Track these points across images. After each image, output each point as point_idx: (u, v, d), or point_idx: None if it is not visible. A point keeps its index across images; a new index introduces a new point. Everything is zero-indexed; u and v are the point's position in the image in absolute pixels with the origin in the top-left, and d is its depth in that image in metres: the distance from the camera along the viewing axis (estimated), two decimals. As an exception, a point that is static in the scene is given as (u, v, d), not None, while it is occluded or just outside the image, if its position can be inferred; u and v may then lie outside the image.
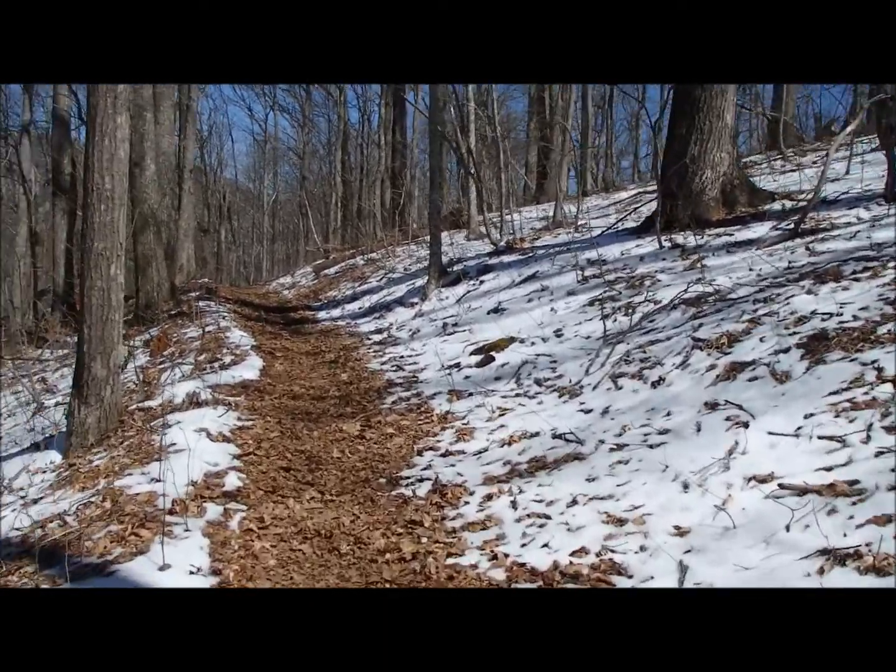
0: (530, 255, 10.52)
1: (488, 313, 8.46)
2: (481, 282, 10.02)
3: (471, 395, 6.06)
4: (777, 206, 9.09)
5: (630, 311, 6.68)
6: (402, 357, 7.90)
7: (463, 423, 5.48)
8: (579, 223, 12.52)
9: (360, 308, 12.35)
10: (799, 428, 3.87)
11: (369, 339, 9.31)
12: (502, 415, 5.48)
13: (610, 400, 5.15)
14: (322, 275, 18.84)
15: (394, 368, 7.47)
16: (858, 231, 6.81)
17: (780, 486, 3.45)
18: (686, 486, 3.77)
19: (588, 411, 5.11)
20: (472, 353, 7.09)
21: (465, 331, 8.13)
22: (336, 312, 12.89)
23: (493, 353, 6.80)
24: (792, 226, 7.69)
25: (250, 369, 7.44)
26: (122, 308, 5.74)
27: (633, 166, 29.99)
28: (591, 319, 6.90)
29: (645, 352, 5.60)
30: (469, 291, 9.76)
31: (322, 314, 13.23)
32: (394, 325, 9.89)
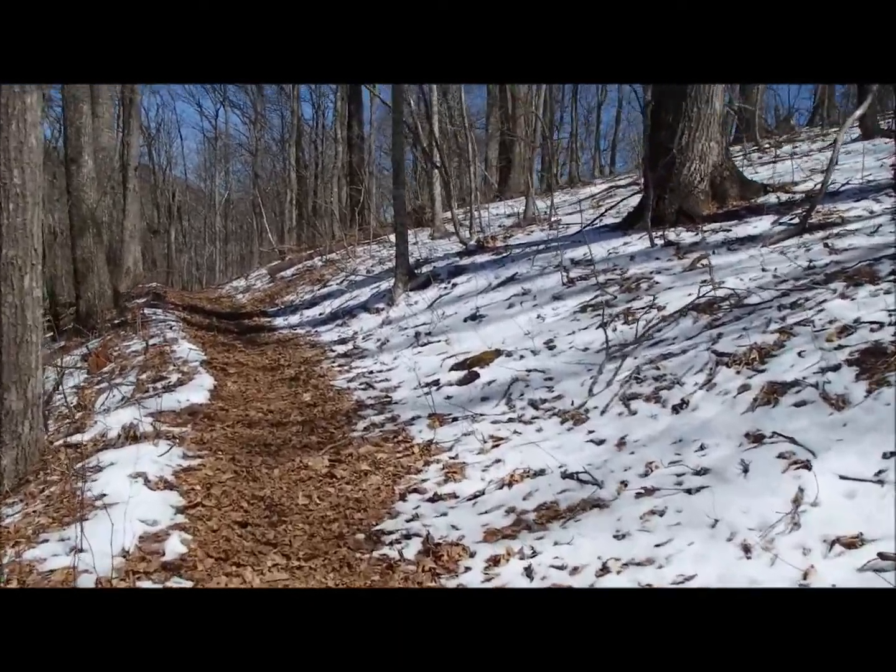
0: (505, 254, 9.74)
1: (465, 321, 7.65)
2: (454, 284, 9.21)
3: (455, 419, 5.26)
4: (772, 198, 8.41)
5: (631, 318, 5.93)
6: (371, 373, 7.06)
7: (451, 457, 4.66)
8: (552, 219, 11.77)
9: (320, 314, 11.47)
10: (880, 472, 3.12)
11: (333, 351, 8.46)
12: (496, 445, 4.67)
13: (624, 428, 4.37)
14: (278, 277, 17.88)
15: (363, 386, 6.63)
16: (880, 225, 6.12)
17: (880, 555, 2.69)
18: (747, 550, 3.00)
19: (600, 442, 4.33)
20: (452, 369, 6.28)
21: (440, 341, 7.32)
22: (294, 319, 11.99)
23: (476, 369, 6.00)
24: (797, 220, 7.01)
25: (199, 391, 6.55)
26: (41, 327, 4.85)
27: (593, 160, 29.39)
28: (586, 328, 6.13)
29: (658, 368, 4.84)
30: (441, 295, 8.94)
31: (279, 321, 12.32)
32: (359, 334, 9.04)
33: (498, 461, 4.43)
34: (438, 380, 6.15)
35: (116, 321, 12.87)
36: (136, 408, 5.76)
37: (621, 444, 4.20)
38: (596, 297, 6.76)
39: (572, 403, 4.93)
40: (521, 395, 5.36)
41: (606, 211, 10.35)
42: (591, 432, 4.46)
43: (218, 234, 42.23)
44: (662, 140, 8.77)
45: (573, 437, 4.50)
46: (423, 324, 8.12)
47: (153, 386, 7.07)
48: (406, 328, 8.30)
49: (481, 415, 5.21)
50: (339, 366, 7.65)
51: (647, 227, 7.91)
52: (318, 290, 13.59)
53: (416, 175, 26.86)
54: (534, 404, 5.15)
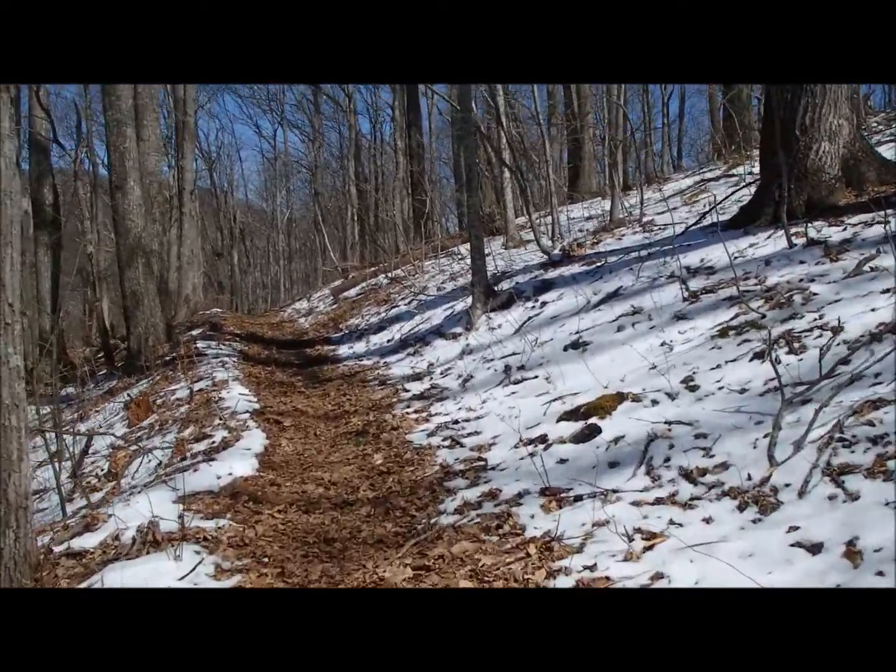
0: (599, 264, 8.32)
1: (566, 349, 6.26)
2: (542, 303, 7.82)
3: (580, 498, 3.87)
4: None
5: (797, 345, 4.49)
6: (456, 422, 5.69)
7: (585, 566, 3.25)
8: (644, 220, 10.31)
9: (388, 341, 10.19)
10: None
11: (406, 391, 7.13)
12: (649, 547, 3.26)
13: (848, 523, 2.93)
14: (341, 298, 16.71)
15: (447, 443, 5.28)
16: None
17: None
18: None
19: (815, 548, 2.89)
20: (562, 418, 4.89)
21: (537, 377, 5.94)
22: (360, 347, 10.74)
23: (595, 420, 4.61)
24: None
25: (245, 457, 5.29)
26: (24, 407, 3.62)
27: (660, 157, 27.52)
28: (735, 360, 4.70)
29: (872, 422, 3.40)
30: (530, 317, 7.57)
31: (343, 349, 11.09)
32: (436, 367, 7.72)
33: (659, 577, 3.02)
34: (545, 435, 4.77)
35: (168, 357, 11.87)
36: (164, 489, 4.52)
37: (852, 552, 2.77)
38: (737, 315, 5.32)
39: (748, 477, 3.50)
40: (667, 460, 3.95)
41: (714, 207, 8.84)
42: (793, 529, 3.02)
43: (282, 253, 41.76)
44: (781, 121, 7.27)
45: (766, 536, 3.07)
46: (513, 353, 6.75)
47: (193, 448, 5.87)
48: (492, 359, 6.93)
49: (614, 491, 3.82)
50: (416, 411, 6.32)
51: (783, 224, 6.42)
52: (385, 311, 12.34)
53: (481, 180, 25.58)
54: (688, 475, 3.73)
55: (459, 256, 14.21)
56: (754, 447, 3.71)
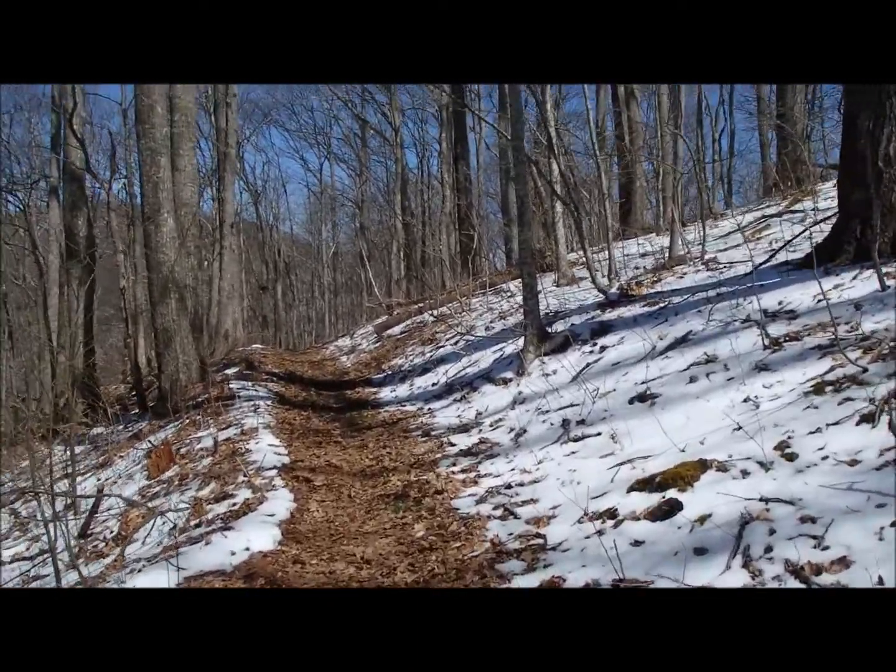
0: (661, 305, 7.62)
1: (632, 402, 5.56)
2: (602, 348, 7.13)
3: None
4: None
5: (917, 406, 3.76)
6: (509, 487, 4.99)
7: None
8: (706, 257, 9.59)
9: (433, 384, 9.55)
10: None
11: (452, 445, 6.46)
12: None
13: None
14: (385, 336, 16.15)
15: (499, 513, 4.59)
16: None
17: None
18: None
19: None
20: (632, 489, 4.18)
21: (600, 434, 5.25)
22: (403, 390, 10.11)
23: (675, 494, 3.91)
24: None
25: (266, 526, 4.66)
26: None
27: (712, 192, 26.69)
28: (838, 423, 3.96)
29: None
30: (588, 364, 6.87)
31: (385, 393, 10.47)
32: (484, 417, 7.05)
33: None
34: (615, 509, 4.06)
35: (199, 399, 11.37)
36: (164, 567, 3.90)
37: None
38: (832, 368, 4.59)
39: (880, 581, 2.78)
40: (767, 550, 3.23)
41: (787, 244, 8.11)
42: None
43: (327, 288, 41.61)
44: (860, 151, 6.54)
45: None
46: (571, 405, 6.05)
47: (212, 510, 5.28)
48: (547, 411, 6.24)
49: (703, 589, 3.12)
50: (462, 471, 5.64)
51: (875, 263, 5.68)
52: (430, 352, 11.71)
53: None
54: (797, 573, 3.01)
55: (508, 294, 13.59)
56: (880, 538, 2.98)
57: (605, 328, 7.58)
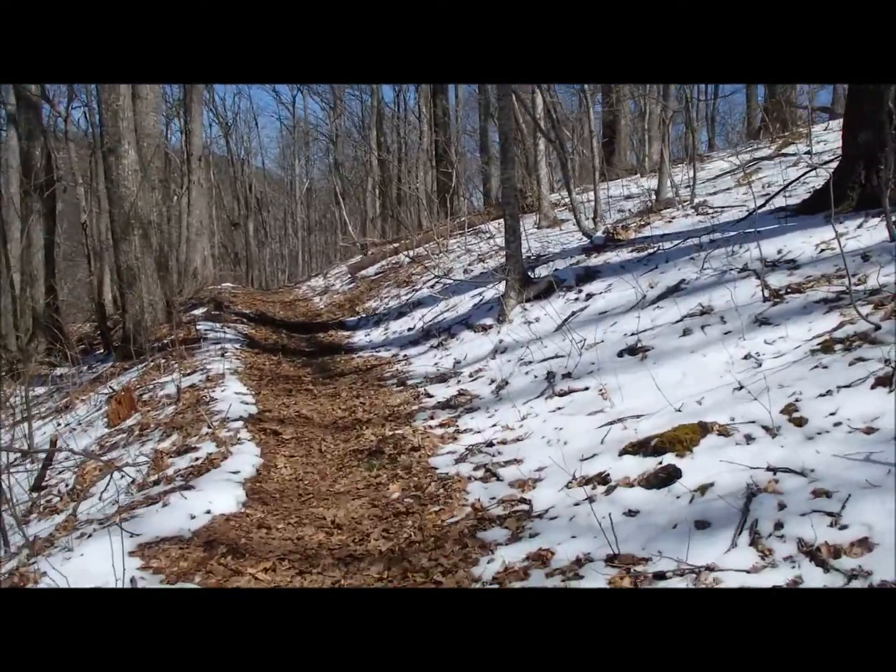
0: (650, 251, 7.27)
1: (621, 355, 5.23)
2: (588, 295, 6.78)
3: (661, 576, 2.87)
4: None
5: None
6: (490, 445, 4.67)
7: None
8: (695, 201, 9.23)
9: (409, 329, 9.19)
10: None
11: (429, 396, 6.12)
12: None
13: None
14: (359, 276, 15.72)
15: (481, 474, 4.27)
16: None
17: None
18: None
19: None
20: (625, 452, 3.86)
21: (588, 388, 4.93)
22: (377, 335, 9.76)
23: (672, 460, 3.60)
24: None
25: (230, 486, 4.32)
26: None
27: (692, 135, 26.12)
28: (850, 386, 3.65)
29: None
30: (574, 312, 6.53)
31: (359, 336, 10.11)
32: (463, 366, 6.71)
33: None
34: (606, 474, 3.74)
35: (165, 341, 10.94)
36: (113, 536, 3.54)
37: None
38: (841, 325, 4.27)
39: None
40: (778, 527, 2.93)
41: (785, 187, 7.76)
42: None
43: (300, 225, 40.81)
44: (869, 95, 6.17)
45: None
46: (556, 356, 5.72)
47: (173, 464, 4.94)
48: (530, 362, 5.91)
49: (709, 569, 2.82)
50: (441, 425, 5.32)
51: (885, 210, 5.34)
52: (406, 295, 11.33)
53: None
54: (813, 555, 2.72)
55: (487, 235, 13.18)
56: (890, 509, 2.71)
57: (591, 274, 7.22)
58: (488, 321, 7.53)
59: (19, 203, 17.73)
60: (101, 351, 13.55)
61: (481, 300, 8.46)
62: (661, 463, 3.57)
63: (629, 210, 10.68)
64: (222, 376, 7.44)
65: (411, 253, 14.46)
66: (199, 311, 13.51)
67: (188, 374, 7.79)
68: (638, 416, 4.20)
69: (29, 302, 16.42)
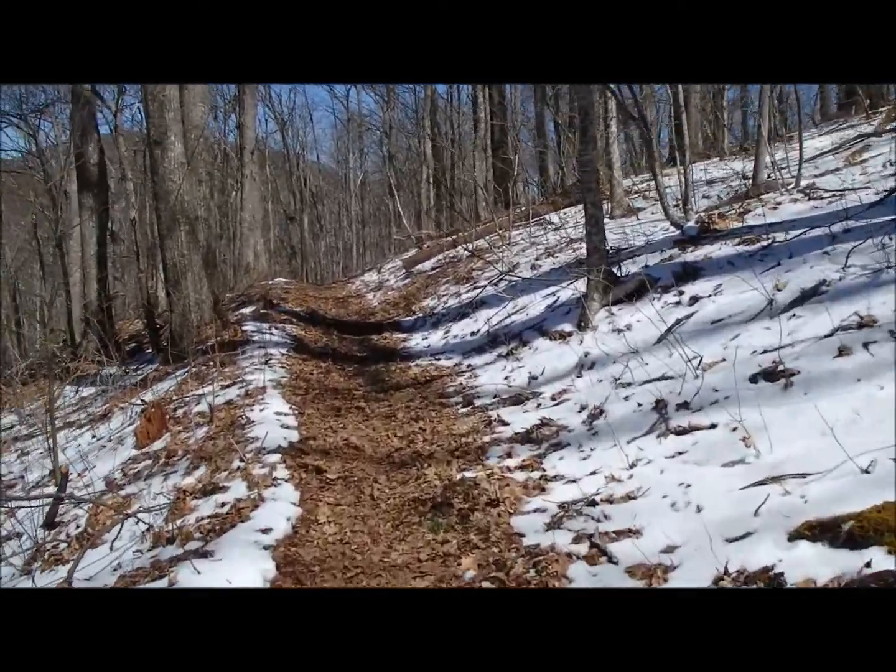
0: (763, 242, 6.10)
1: (755, 379, 4.05)
2: (692, 298, 5.63)
3: None
4: None
5: None
6: (592, 504, 3.55)
7: None
8: (801, 183, 8.00)
9: (472, 334, 8.14)
10: None
11: (503, 424, 5.03)
12: None
13: None
14: (415, 271, 14.68)
15: (584, 550, 3.17)
16: None
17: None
18: None
19: None
20: (799, 536, 2.71)
21: (715, 425, 3.80)
22: (436, 339, 8.71)
23: (878, 556, 2.47)
24: None
25: (255, 554, 3.33)
26: None
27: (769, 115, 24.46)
28: None
29: None
30: (679, 320, 5.38)
31: (416, 340, 9.08)
32: (542, 384, 5.63)
33: None
34: (777, 572, 2.60)
35: (210, 342, 10.09)
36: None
37: None
38: None
39: None
40: None
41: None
42: None
43: (354, 218, 40.21)
44: None
45: None
46: (664, 377, 4.60)
47: (195, 509, 4.00)
48: (629, 384, 4.79)
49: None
50: (522, 466, 4.23)
51: None
52: (467, 293, 10.26)
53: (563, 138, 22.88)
54: None
55: (553, 226, 12.06)
56: None
57: (691, 272, 6.07)
58: (566, 327, 6.43)
59: (77, 202, 17.11)
60: (150, 351, 12.82)
61: (556, 301, 7.36)
62: (867, 564, 2.44)
63: (717, 196, 9.47)
64: (263, 390, 6.49)
65: (470, 246, 13.41)
66: (248, 310, 12.64)
67: (227, 386, 6.88)
68: (803, 476, 3.07)
69: (81, 300, 15.82)
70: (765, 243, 6.03)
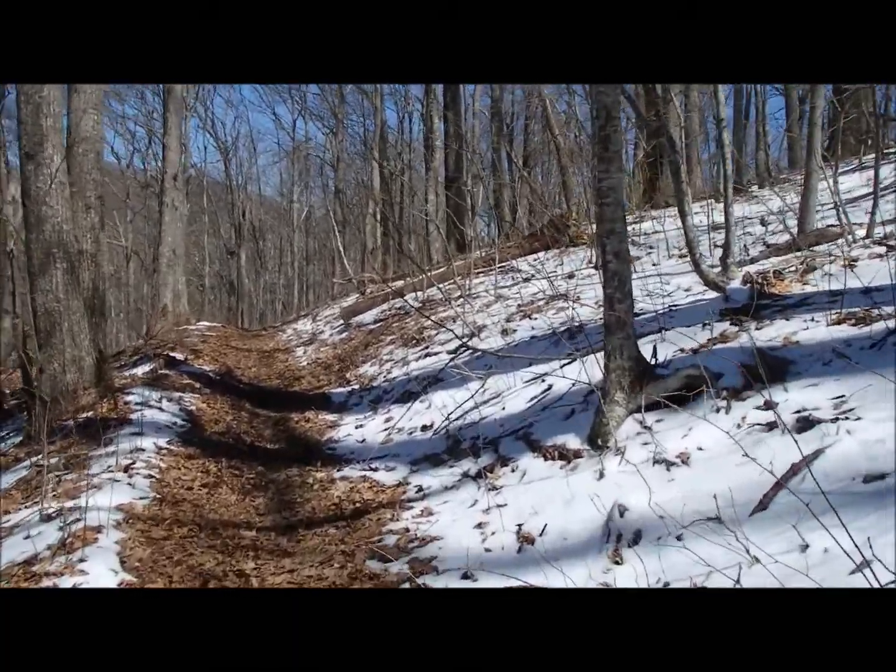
0: (883, 323, 3.92)
1: None
2: (802, 421, 3.37)
3: None
4: None
5: None
6: None
7: None
8: (879, 230, 5.90)
9: (423, 428, 5.84)
10: None
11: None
12: None
13: None
14: (354, 323, 12.36)
15: None
16: None
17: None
18: None
19: None
20: None
21: None
22: (374, 429, 6.40)
23: None
24: None
25: None
26: None
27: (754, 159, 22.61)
28: None
29: None
30: (808, 459, 3.11)
31: (347, 429, 6.75)
32: (547, 552, 3.32)
33: None
34: None
35: (85, 415, 7.75)
36: None
37: None
38: None
39: None
40: None
41: None
42: None
43: (298, 254, 38.21)
44: None
45: None
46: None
47: None
48: (696, 575, 2.53)
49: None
50: None
51: None
52: (416, 359, 7.96)
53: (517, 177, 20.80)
54: None
55: (522, 276, 9.85)
56: None
57: (774, 366, 3.81)
58: (571, 441, 4.18)
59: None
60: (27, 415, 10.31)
61: (547, 392, 5.10)
62: None
63: (743, 245, 7.33)
64: (97, 532, 4.10)
65: (421, 294, 11.14)
66: (142, 370, 10.18)
67: (49, 517, 4.46)
68: None
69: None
70: (890, 323, 3.84)
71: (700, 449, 3.54)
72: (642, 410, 3.99)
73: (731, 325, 4.70)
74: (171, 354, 10.95)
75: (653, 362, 4.26)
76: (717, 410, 3.73)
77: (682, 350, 4.60)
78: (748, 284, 5.20)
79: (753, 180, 13.50)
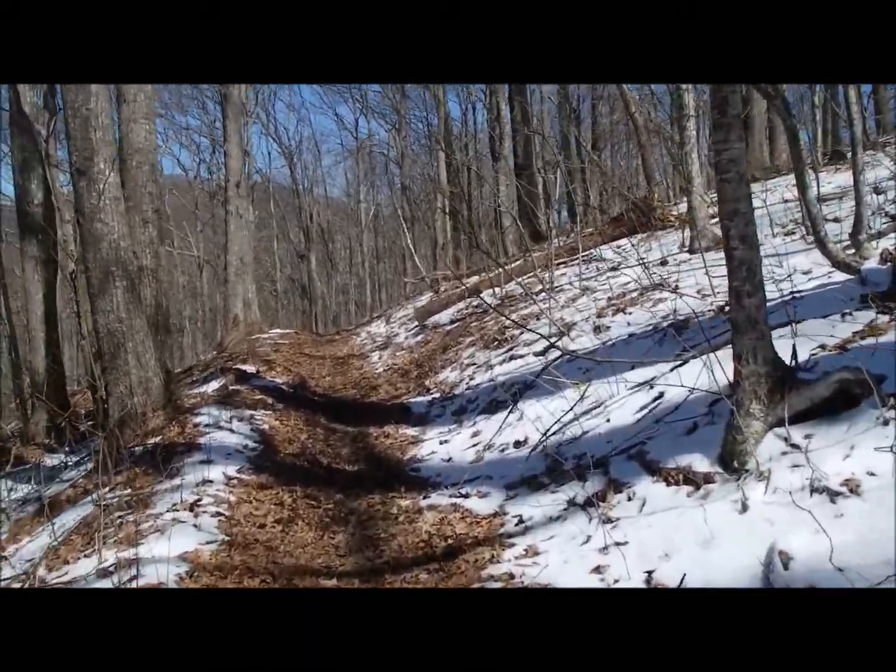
0: None
1: None
2: None
3: None
4: None
5: None
6: None
7: None
8: None
9: (516, 445, 5.22)
10: None
11: None
12: None
13: None
14: (429, 324, 11.80)
15: None
16: None
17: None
18: None
19: None
20: None
21: None
22: (460, 444, 5.82)
23: None
24: None
25: None
26: None
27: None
28: None
29: None
30: None
31: (431, 445, 6.17)
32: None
33: None
34: None
35: (153, 441, 7.37)
36: None
37: None
38: None
39: None
40: None
41: None
42: None
43: (368, 254, 37.93)
44: None
45: None
46: None
47: None
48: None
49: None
50: None
51: None
52: (500, 363, 7.33)
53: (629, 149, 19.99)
54: None
55: (609, 265, 9.14)
56: None
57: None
58: (698, 462, 3.52)
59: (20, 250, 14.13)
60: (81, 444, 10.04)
61: (658, 402, 4.43)
62: None
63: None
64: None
65: (499, 291, 10.50)
66: (213, 387, 9.76)
67: (106, 571, 3.99)
68: None
69: (26, 366, 13.06)
70: None
71: (871, 474, 2.85)
72: (786, 424, 3.31)
73: (878, 313, 3.96)
74: (242, 368, 10.54)
75: (793, 364, 3.56)
76: (886, 423, 3.02)
77: (822, 347, 3.88)
78: (888, 263, 4.45)
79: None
